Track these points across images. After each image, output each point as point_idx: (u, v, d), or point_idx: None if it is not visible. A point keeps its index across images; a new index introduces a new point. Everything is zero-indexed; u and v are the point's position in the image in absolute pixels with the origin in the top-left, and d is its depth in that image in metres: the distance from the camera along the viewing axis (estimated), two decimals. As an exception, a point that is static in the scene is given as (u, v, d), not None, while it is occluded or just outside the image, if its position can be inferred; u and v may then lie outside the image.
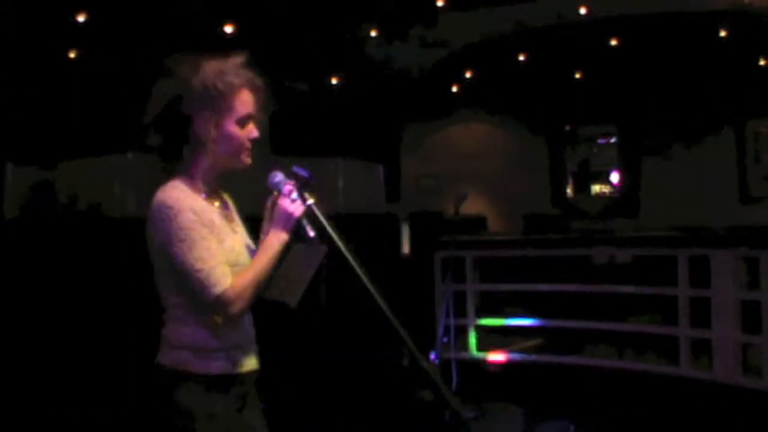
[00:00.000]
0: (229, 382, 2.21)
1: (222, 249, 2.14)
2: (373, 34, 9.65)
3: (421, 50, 10.45)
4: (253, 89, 2.23)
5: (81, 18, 7.65)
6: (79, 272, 5.10)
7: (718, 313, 5.75)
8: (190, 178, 2.20)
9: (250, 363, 2.28)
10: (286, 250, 2.19)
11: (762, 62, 10.47)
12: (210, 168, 2.22)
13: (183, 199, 2.13)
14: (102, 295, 5.03)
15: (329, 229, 2.13)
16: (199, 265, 2.07)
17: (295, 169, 2.18)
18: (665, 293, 6.11)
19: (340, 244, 2.08)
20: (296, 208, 2.17)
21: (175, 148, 2.21)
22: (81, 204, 6.92)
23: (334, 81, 10.64)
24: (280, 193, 2.19)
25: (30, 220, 6.39)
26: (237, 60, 2.24)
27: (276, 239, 2.16)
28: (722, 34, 9.46)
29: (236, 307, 2.10)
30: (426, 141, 13.31)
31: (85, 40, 8.16)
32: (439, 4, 9.10)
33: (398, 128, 13.22)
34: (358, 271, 2.05)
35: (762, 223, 9.33)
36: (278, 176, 2.22)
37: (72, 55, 8.31)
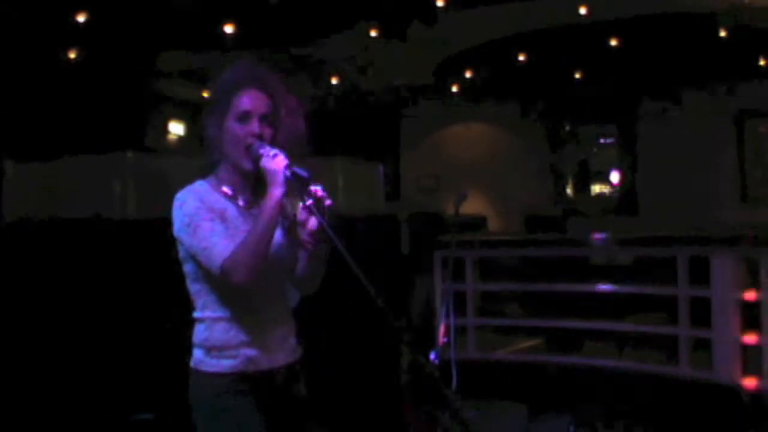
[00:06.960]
0: (243, 380, 2.21)
1: (233, 240, 2.14)
2: (373, 33, 9.63)
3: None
4: (258, 87, 2.23)
5: (81, 18, 7.64)
6: (79, 274, 5.10)
7: (718, 313, 5.74)
8: (214, 179, 2.28)
9: (272, 361, 2.26)
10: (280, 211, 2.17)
11: (762, 62, 10.46)
12: (228, 170, 2.27)
13: (193, 191, 2.21)
14: (102, 297, 5.03)
15: (328, 229, 2.13)
16: (203, 244, 2.13)
17: (295, 169, 2.17)
18: (665, 293, 6.11)
19: (339, 244, 2.08)
20: (278, 163, 2.14)
21: (212, 158, 2.28)
22: (81, 203, 6.91)
23: (334, 81, 10.64)
24: (261, 157, 2.17)
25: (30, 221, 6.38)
26: (242, 61, 2.28)
27: (268, 200, 2.13)
28: (722, 34, 9.45)
29: (239, 275, 2.07)
30: (426, 141, 13.30)
31: (85, 40, 8.15)
32: (439, 4, 9.09)
33: (398, 128, 13.21)
34: (357, 271, 2.04)
35: (762, 223, 9.32)
36: (261, 147, 2.19)
37: (72, 55, 8.31)
